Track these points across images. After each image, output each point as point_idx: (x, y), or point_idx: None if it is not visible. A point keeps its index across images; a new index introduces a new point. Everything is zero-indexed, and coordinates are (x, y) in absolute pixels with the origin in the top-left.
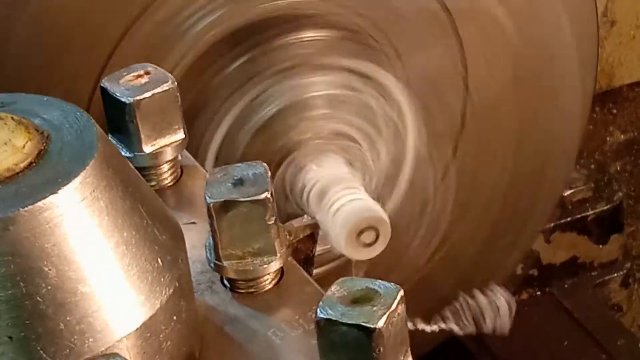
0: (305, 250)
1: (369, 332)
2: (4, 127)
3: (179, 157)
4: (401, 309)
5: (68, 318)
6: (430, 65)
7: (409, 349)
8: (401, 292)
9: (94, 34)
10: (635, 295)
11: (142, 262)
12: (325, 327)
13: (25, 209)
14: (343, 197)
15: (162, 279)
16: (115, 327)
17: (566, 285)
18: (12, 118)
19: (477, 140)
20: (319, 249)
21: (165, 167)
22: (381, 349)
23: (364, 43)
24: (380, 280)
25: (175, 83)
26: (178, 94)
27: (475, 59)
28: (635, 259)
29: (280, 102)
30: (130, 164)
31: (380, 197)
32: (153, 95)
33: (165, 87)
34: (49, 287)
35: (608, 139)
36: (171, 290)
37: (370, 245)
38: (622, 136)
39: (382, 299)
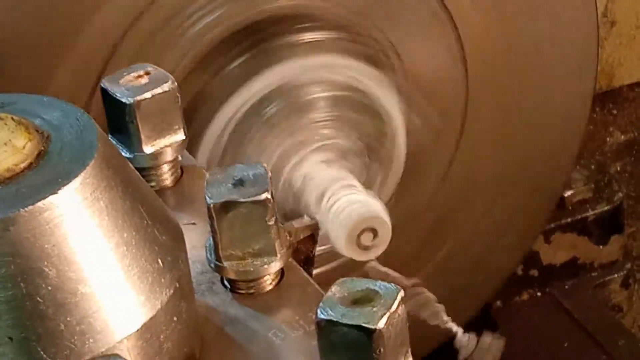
0: (305, 250)
1: (369, 333)
2: (4, 127)
3: (179, 158)
4: (401, 309)
5: (68, 319)
6: (430, 65)
7: (409, 350)
8: (401, 293)
9: (94, 34)
10: (635, 295)
11: (143, 262)
12: (326, 328)
13: (26, 209)
14: (343, 198)
15: (163, 280)
16: (116, 327)
17: (566, 286)
18: (12, 118)
19: (477, 141)
20: (318, 249)
21: (166, 167)
22: (381, 350)
23: (364, 43)
24: (380, 281)
25: (176, 83)
26: (178, 95)
27: (475, 60)
28: (636, 260)
29: (280, 102)
30: (131, 165)
31: (379, 197)
32: (153, 95)
33: (165, 87)
34: (49, 288)
35: (608, 139)
36: (171, 291)
37: (370, 246)
38: (622, 137)
39: (382, 300)
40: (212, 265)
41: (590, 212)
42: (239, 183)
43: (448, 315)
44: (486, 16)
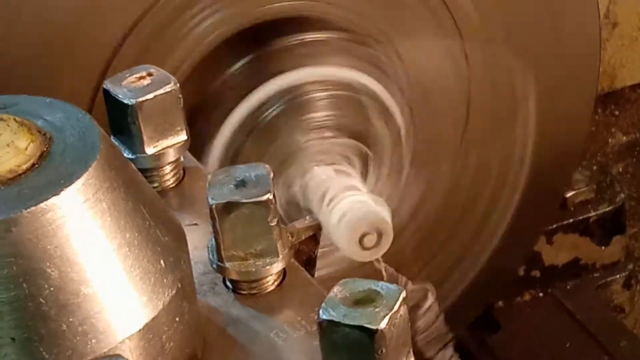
0: (307, 251)
1: (371, 334)
2: (6, 128)
3: (181, 159)
4: (403, 310)
5: (70, 319)
6: (431, 66)
7: (411, 350)
8: (403, 294)
9: (96, 36)
10: (637, 296)
11: (145, 263)
12: (328, 328)
13: (28, 210)
14: (345, 199)
15: (165, 280)
16: (118, 328)
17: (568, 287)
18: (14, 119)
19: (479, 142)
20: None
21: (168, 168)
22: (383, 350)
23: (365, 44)
24: (382, 282)
25: (178, 85)
26: (180, 96)
27: (477, 61)
28: (638, 261)
29: (282, 103)
30: (133, 166)
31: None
32: (155, 96)
33: (167, 88)
34: (52, 289)
35: (610, 140)
36: (174, 292)
37: (373, 247)
38: (624, 138)
39: (384, 300)
40: (214, 265)
41: (592, 213)
42: (241, 184)
43: (450, 316)
44: (488, 17)
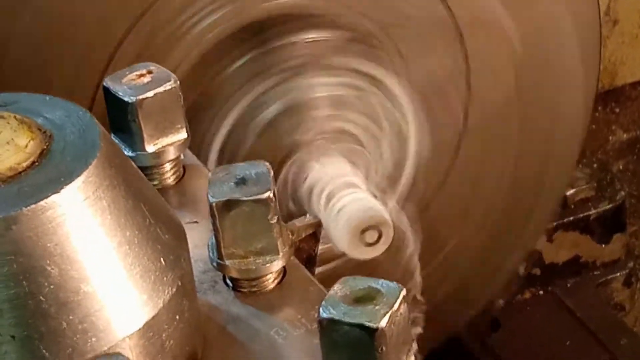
0: (307, 249)
1: (371, 332)
2: (6, 126)
3: (182, 157)
4: (404, 308)
5: (70, 317)
6: (434, 67)
7: (412, 348)
8: (403, 292)
9: (96, 33)
10: (637, 294)
11: (145, 261)
12: (328, 327)
13: (28, 208)
14: (346, 197)
15: (165, 278)
16: (118, 326)
17: (569, 285)
18: (14, 117)
19: (479, 141)
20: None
21: (168, 166)
22: (384, 348)
23: (368, 44)
24: (382, 280)
25: (178, 82)
26: (180, 93)
27: (478, 62)
28: (638, 259)
29: (283, 101)
30: (133, 164)
31: (381, 198)
32: (155, 94)
33: (167, 86)
34: (52, 287)
35: (610, 138)
36: (174, 290)
37: (372, 245)
38: (625, 135)
39: (384, 298)
40: (215, 263)
41: (593, 211)
42: (241, 182)
43: (450, 314)
44: (489, 16)
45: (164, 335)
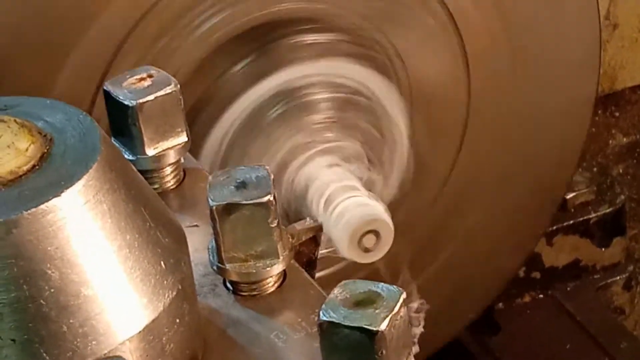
0: (307, 253)
1: (371, 335)
2: (7, 130)
3: (182, 160)
4: (403, 311)
5: (71, 321)
6: (432, 67)
7: (412, 352)
8: (403, 295)
9: (97, 36)
10: (637, 298)
11: (145, 264)
12: (328, 330)
13: (28, 211)
14: (346, 200)
15: (165, 282)
16: (118, 329)
17: (568, 288)
18: (15, 121)
19: (479, 143)
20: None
21: (168, 170)
22: (384, 352)
23: (367, 46)
24: (382, 283)
25: (178, 86)
26: (181, 97)
27: (477, 63)
28: (638, 262)
29: (283, 104)
30: (133, 167)
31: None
32: (156, 98)
33: (168, 90)
34: (52, 290)
35: (610, 142)
36: (174, 293)
37: (372, 248)
38: (625, 139)
39: (384, 302)
40: (215, 267)
41: (593, 215)
42: (242, 185)
43: (450, 317)
44: (488, 19)
45: (164, 338)
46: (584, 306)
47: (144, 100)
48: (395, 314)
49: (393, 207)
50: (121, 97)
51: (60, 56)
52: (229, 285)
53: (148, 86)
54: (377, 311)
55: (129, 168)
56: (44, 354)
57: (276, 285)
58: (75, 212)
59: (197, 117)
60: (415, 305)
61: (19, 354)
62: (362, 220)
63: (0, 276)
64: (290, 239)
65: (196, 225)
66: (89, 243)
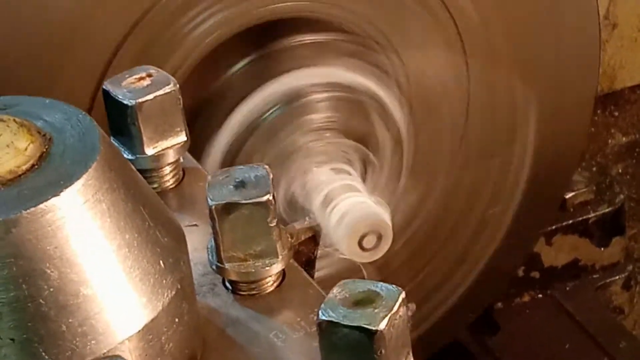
0: (307, 252)
1: (370, 334)
2: (6, 129)
3: (181, 160)
4: (403, 311)
5: (70, 320)
6: (431, 67)
7: (411, 351)
8: (402, 294)
9: (96, 36)
10: (637, 297)
11: (144, 264)
12: (327, 329)
13: (28, 211)
14: (345, 200)
15: (164, 281)
16: (118, 329)
17: (568, 288)
18: (14, 120)
19: (479, 143)
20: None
21: (167, 169)
22: (383, 351)
23: (366, 45)
24: (381, 282)
25: (177, 85)
26: (180, 97)
27: (477, 62)
28: (637, 262)
29: (282, 104)
30: (133, 167)
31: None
32: (155, 97)
33: (167, 89)
34: (51, 290)
35: (610, 141)
36: (173, 293)
37: (372, 248)
38: (624, 139)
39: (383, 301)
40: (214, 266)
41: (592, 214)
42: (241, 185)
43: (450, 317)
44: (488, 19)
45: (163, 338)
46: (583, 306)
47: (143, 99)
48: (394, 313)
49: (393, 207)
50: (120, 97)
51: (59, 56)
52: (228, 284)
53: (147, 86)
54: (376, 310)
55: (128, 167)
56: (43, 353)
57: (275, 284)
58: (74, 211)
59: (197, 117)
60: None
61: (18, 353)
62: (363, 219)
63: None
64: (290, 239)
65: (195, 225)
66: (88, 242)
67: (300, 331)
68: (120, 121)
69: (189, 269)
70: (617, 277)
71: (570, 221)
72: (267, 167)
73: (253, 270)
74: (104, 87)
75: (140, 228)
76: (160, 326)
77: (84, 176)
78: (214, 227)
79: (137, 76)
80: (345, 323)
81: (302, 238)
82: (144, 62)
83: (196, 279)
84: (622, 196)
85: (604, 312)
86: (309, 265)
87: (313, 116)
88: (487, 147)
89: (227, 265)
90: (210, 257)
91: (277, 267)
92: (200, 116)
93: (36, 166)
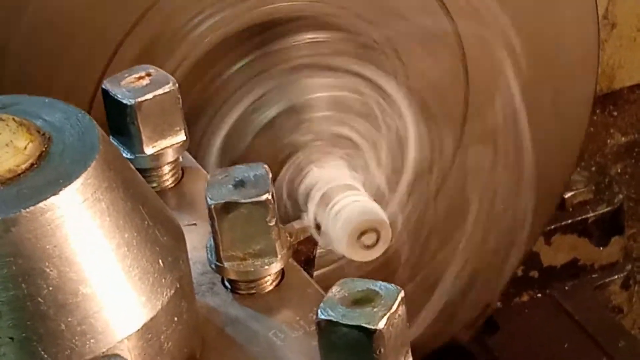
0: (306, 251)
1: (369, 333)
2: (5, 128)
3: (180, 159)
4: (402, 310)
5: (69, 319)
6: (432, 69)
7: (410, 350)
8: (402, 293)
9: (95, 36)
10: (635, 297)
11: (144, 263)
12: (326, 328)
13: (27, 210)
14: (344, 199)
15: (163, 280)
16: (117, 328)
17: (567, 288)
18: (13, 119)
19: (478, 143)
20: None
21: (167, 168)
22: (382, 350)
23: (366, 45)
24: (381, 282)
25: (177, 85)
26: (179, 96)
27: (476, 62)
28: (636, 261)
29: (282, 103)
30: (132, 166)
31: (380, 201)
32: (154, 97)
33: (166, 88)
34: (51, 288)
35: (609, 141)
36: (172, 291)
37: (371, 247)
38: (623, 138)
39: (382, 300)
40: (213, 266)
41: (591, 214)
42: (240, 184)
43: (450, 316)
44: (487, 19)
45: (162, 337)
46: (582, 305)
47: (143, 99)
48: (393, 312)
49: (392, 206)
50: (119, 96)
51: (59, 55)
52: (227, 283)
53: (146, 85)
54: (375, 310)
55: (127, 166)
56: (42, 352)
57: (274, 283)
58: (73, 210)
59: (196, 116)
60: None
61: (17, 352)
62: (361, 218)
63: None
64: (289, 238)
65: (194, 224)
66: (87, 241)
67: (300, 330)
68: (119, 120)
69: (188, 268)
70: (616, 277)
71: (570, 221)
72: (266, 166)
73: (252, 270)
74: (103, 86)
75: (140, 227)
76: (160, 325)
77: (83, 175)
78: (213, 226)
79: (137, 75)
80: (344, 322)
81: (301, 237)
82: (144, 62)
83: (195, 278)
84: (621, 196)
85: (603, 312)
86: (308, 264)
87: (312, 115)
88: (485, 146)
89: (226, 265)
90: (209, 256)
91: (276, 266)
92: (200, 115)
93: (35, 165)
